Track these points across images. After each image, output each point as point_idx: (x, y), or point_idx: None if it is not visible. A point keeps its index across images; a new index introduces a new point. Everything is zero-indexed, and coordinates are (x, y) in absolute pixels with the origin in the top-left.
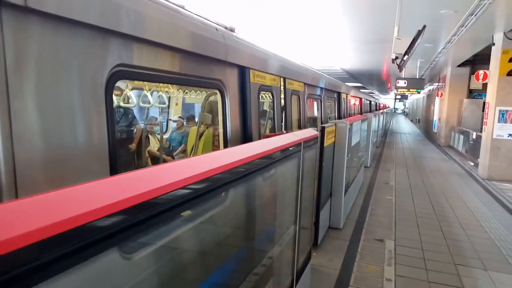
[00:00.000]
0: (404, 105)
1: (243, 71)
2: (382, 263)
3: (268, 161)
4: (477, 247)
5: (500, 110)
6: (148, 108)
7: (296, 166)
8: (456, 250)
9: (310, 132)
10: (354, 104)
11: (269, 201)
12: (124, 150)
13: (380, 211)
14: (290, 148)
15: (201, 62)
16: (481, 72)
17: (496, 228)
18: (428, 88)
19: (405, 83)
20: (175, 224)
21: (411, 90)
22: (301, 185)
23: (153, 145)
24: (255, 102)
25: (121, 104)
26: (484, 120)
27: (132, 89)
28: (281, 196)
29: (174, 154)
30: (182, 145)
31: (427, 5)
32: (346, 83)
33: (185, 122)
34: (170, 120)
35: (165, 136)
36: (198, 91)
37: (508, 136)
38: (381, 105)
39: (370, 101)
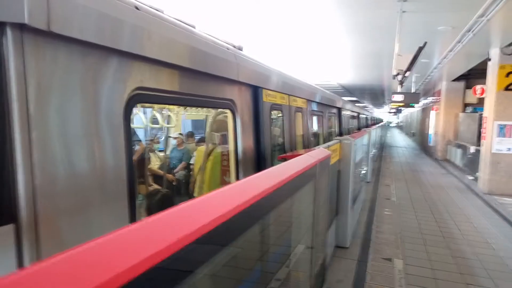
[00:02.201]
0: (398, 119)
1: (255, 91)
2: (393, 283)
3: (290, 184)
4: (486, 265)
5: (498, 125)
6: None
7: (312, 186)
8: (466, 268)
9: (323, 152)
10: (353, 118)
11: (286, 224)
12: (140, 172)
13: (385, 228)
14: (309, 170)
15: (214, 82)
16: (478, 87)
17: (502, 244)
18: (422, 101)
19: (400, 97)
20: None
21: (406, 104)
22: (316, 206)
23: (154, 163)
24: (267, 121)
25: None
26: (482, 134)
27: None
28: (298, 219)
29: (175, 171)
30: (183, 162)
31: (425, 22)
32: (342, 97)
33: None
34: (170, 137)
35: (162, 154)
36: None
37: (508, 150)
38: (376, 119)
39: (367, 116)
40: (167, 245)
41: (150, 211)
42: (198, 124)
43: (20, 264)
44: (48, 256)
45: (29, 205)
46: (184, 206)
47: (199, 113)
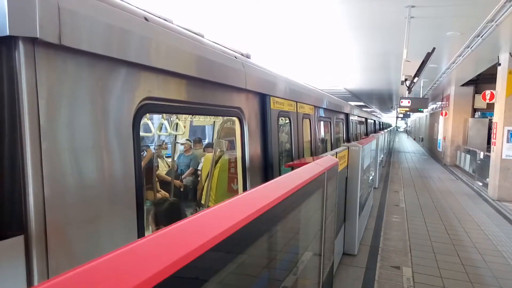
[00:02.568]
0: (406, 124)
1: (263, 98)
2: None
3: (298, 194)
4: (496, 273)
5: (508, 130)
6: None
7: (321, 195)
8: (476, 277)
9: (331, 160)
10: (361, 124)
11: (294, 232)
12: (149, 182)
13: (393, 235)
14: (317, 178)
15: (222, 91)
16: (488, 92)
17: None
18: (431, 106)
19: (408, 102)
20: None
21: (414, 109)
22: (325, 214)
23: (162, 169)
24: (275, 129)
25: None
26: (493, 140)
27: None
28: (307, 227)
29: (182, 177)
30: (190, 168)
31: (434, 28)
32: (349, 102)
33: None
34: (178, 143)
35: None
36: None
37: None
38: (384, 124)
39: (375, 121)
40: (182, 256)
41: (158, 217)
42: (206, 130)
43: (29, 275)
44: (57, 267)
45: (39, 216)
46: (194, 218)
47: (206, 120)
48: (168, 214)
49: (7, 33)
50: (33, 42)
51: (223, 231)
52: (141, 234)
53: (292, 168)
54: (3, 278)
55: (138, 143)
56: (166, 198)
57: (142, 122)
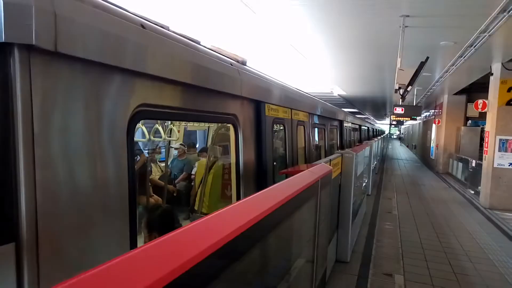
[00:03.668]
0: (399, 131)
1: (258, 105)
2: None
3: (292, 202)
4: (487, 281)
5: (500, 139)
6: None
7: (314, 203)
8: (468, 286)
9: (325, 168)
10: (355, 130)
11: (287, 240)
12: (142, 187)
13: (386, 243)
14: (311, 186)
15: (217, 98)
16: (480, 101)
17: (504, 261)
18: (424, 114)
19: (402, 110)
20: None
21: (408, 117)
22: (318, 221)
23: (155, 173)
24: (269, 135)
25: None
26: (484, 149)
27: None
28: (300, 235)
29: (176, 182)
30: (184, 173)
31: (428, 37)
32: (343, 109)
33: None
34: (172, 147)
35: (163, 164)
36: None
37: (509, 165)
38: (377, 131)
39: (368, 127)
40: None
41: (150, 223)
42: (200, 135)
43: (20, 284)
44: (48, 276)
45: (31, 224)
46: (189, 227)
47: (201, 125)
48: (161, 221)
49: (3, 40)
50: (28, 49)
51: (218, 240)
52: (133, 241)
53: (286, 176)
54: None
55: (132, 149)
56: (159, 205)
57: (136, 129)
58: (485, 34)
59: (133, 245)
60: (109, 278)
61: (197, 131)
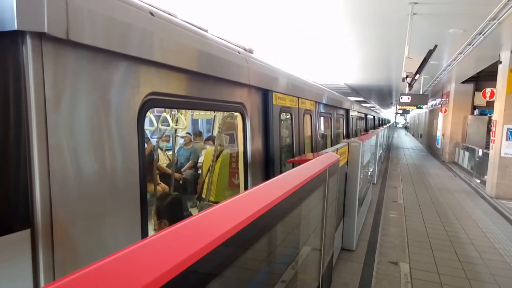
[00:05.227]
0: (405, 120)
1: (265, 94)
2: None
3: (300, 191)
4: (493, 271)
5: (508, 129)
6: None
7: (322, 191)
8: (473, 274)
9: (333, 157)
10: (361, 119)
11: (296, 228)
12: (150, 175)
13: (391, 231)
14: (319, 175)
15: (225, 86)
16: (488, 90)
17: (510, 250)
18: (431, 103)
19: (408, 98)
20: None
21: (414, 105)
22: (326, 210)
23: (162, 161)
24: (277, 124)
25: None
26: (492, 138)
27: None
28: (307, 223)
29: (182, 170)
30: (190, 161)
31: (436, 25)
32: (349, 98)
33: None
34: (178, 136)
35: (170, 152)
36: None
37: None
38: (383, 120)
39: (374, 116)
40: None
41: (160, 211)
42: (206, 124)
43: (35, 268)
44: (62, 261)
45: (45, 211)
46: (199, 216)
47: (207, 113)
48: (171, 208)
49: (15, 28)
50: (40, 37)
51: (229, 229)
52: (144, 229)
53: (293, 165)
54: (10, 271)
55: (142, 138)
56: (168, 192)
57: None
58: (494, 21)
59: (144, 231)
60: (133, 261)
61: (199, 120)
